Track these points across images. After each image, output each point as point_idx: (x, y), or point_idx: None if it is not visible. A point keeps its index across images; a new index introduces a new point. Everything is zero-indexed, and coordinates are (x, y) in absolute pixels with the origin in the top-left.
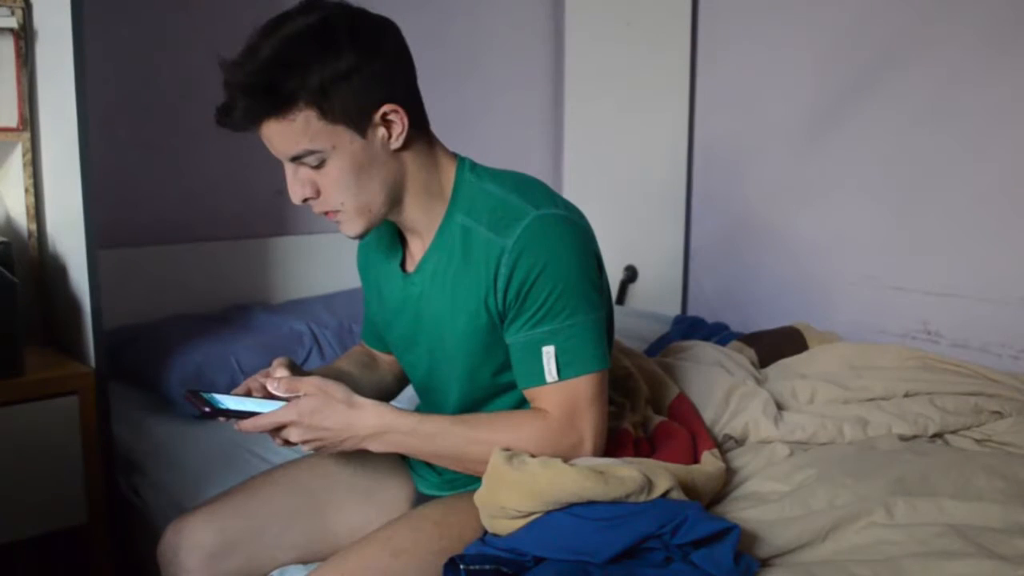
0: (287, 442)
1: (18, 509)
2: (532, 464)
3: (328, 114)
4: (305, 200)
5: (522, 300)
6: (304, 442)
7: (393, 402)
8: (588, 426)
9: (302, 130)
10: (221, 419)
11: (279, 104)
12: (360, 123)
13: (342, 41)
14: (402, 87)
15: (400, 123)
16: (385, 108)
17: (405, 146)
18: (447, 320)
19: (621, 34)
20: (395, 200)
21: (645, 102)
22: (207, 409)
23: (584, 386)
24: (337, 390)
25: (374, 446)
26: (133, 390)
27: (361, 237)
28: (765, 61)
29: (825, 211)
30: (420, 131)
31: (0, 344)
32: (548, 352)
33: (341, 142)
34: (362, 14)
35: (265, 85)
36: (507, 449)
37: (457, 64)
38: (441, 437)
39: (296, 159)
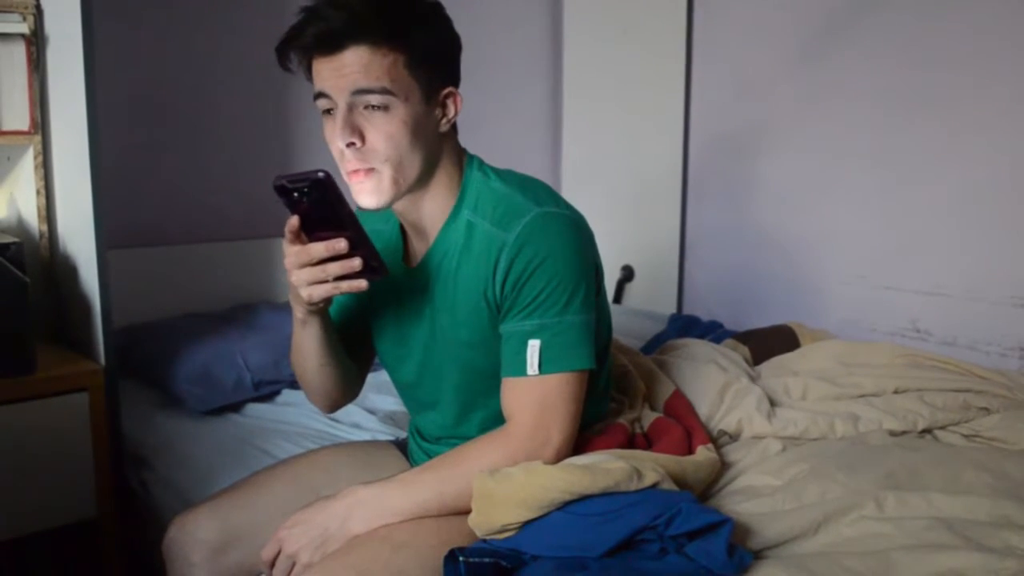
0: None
1: (29, 504)
2: (516, 473)
3: (414, 68)
4: (349, 145)
5: (517, 292)
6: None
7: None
8: (556, 425)
9: (388, 67)
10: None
11: (386, 32)
12: (431, 92)
13: (445, 20)
14: (458, 84)
15: (454, 108)
16: (451, 89)
17: (446, 135)
18: (449, 313)
19: (619, 39)
20: (423, 181)
21: (642, 105)
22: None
23: (560, 383)
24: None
25: (357, 526)
26: (142, 387)
27: (378, 209)
28: (759, 64)
29: (817, 212)
30: (455, 130)
31: (12, 342)
32: (533, 346)
33: (413, 98)
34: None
35: (383, 9)
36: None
37: None
38: (415, 485)
39: (365, 92)
